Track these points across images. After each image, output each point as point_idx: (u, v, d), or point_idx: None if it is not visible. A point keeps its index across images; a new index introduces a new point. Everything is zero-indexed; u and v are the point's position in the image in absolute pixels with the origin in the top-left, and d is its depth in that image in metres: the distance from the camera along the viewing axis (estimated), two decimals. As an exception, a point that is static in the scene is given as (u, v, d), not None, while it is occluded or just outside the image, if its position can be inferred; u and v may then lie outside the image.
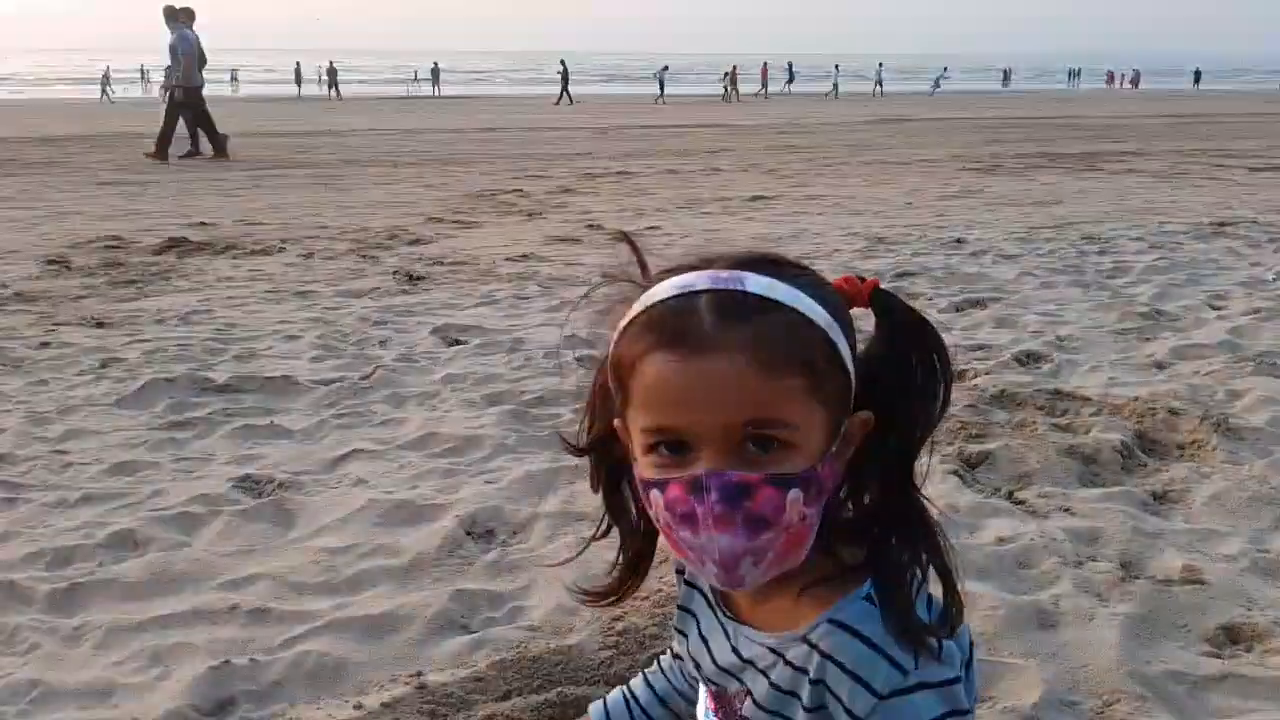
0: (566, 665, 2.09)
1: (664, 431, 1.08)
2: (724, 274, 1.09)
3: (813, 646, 1.12)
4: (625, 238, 1.27)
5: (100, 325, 5.47)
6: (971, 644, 1.20)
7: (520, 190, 12.07)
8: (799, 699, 1.14)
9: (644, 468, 1.12)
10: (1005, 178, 12.86)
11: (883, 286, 1.18)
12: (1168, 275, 6.38)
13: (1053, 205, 10.04)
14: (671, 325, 1.07)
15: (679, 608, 1.38)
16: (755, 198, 11.11)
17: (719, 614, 1.26)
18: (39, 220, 9.79)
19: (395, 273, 6.94)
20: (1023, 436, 3.43)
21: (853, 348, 1.13)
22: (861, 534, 1.16)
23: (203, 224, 9.37)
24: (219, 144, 16.37)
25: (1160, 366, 4.39)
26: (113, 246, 8.05)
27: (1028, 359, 4.52)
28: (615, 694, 1.60)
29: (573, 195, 11.65)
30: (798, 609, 1.15)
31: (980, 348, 4.71)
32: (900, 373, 1.13)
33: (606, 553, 2.62)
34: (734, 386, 1.03)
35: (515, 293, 6.30)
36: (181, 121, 16.24)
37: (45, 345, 5.05)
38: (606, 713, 1.57)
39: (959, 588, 1.14)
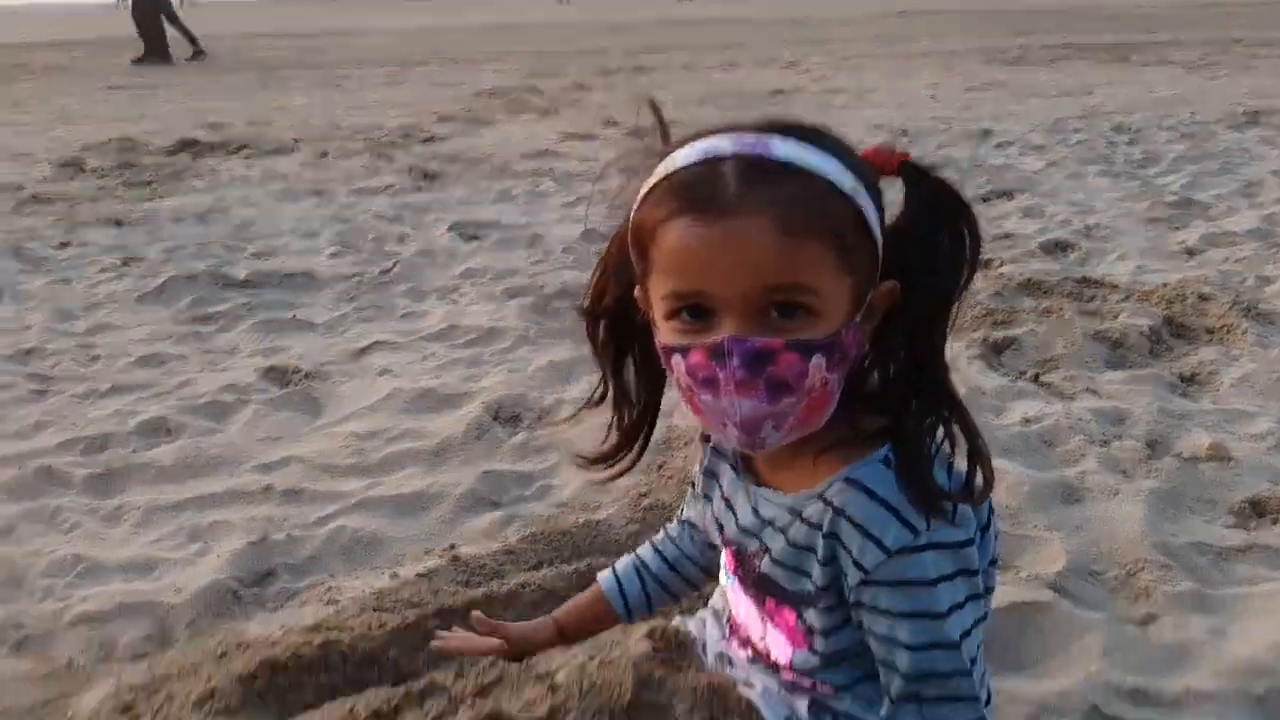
0: (595, 538, 2.12)
1: (686, 297, 1.07)
2: (749, 138, 1.07)
3: (827, 503, 1.13)
4: (649, 102, 1.25)
5: (119, 225, 5.47)
6: (991, 510, 1.20)
7: (534, 88, 11.84)
8: (814, 553, 1.16)
9: (665, 334, 1.11)
10: (1033, 69, 12.51)
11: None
12: (1199, 164, 6.24)
13: (1082, 96, 9.78)
14: (695, 189, 1.06)
15: (704, 472, 1.39)
16: (775, 91, 10.86)
17: (741, 477, 1.28)
18: (51, 124, 9.71)
19: (410, 170, 6.87)
20: (1049, 322, 3.40)
21: (881, 216, 1.11)
22: (884, 403, 1.15)
23: (214, 125, 9.26)
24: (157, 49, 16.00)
25: (1190, 253, 4.32)
26: (126, 148, 7.98)
27: (1055, 248, 4.45)
28: (625, 563, 1.61)
29: (587, 92, 11.43)
30: (816, 471, 1.16)
31: (1007, 237, 4.64)
32: (928, 243, 1.11)
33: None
34: (757, 250, 1.02)
35: (531, 189, 6.23)
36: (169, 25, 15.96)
37: (65, 245, 5.05)
38: (617, 579, 1.58)
39: (984, 453, 1.13)
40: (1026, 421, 2.64)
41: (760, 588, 1.24)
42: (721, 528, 1.31)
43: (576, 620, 1.56)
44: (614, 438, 1.33)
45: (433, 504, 2.37)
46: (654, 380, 1.29)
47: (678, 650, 1.29)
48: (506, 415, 2.87)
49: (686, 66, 13.95)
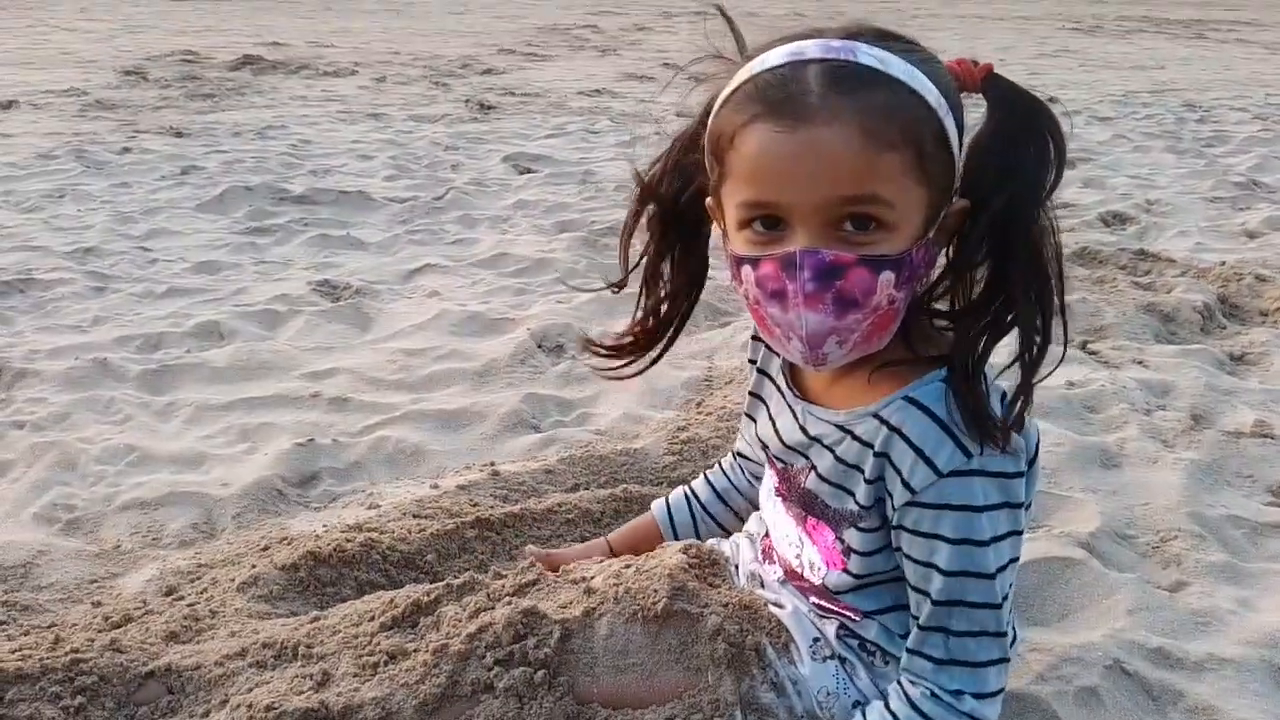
0: (632, 466, 2.15)
1: (761, 206, 1.06)
2: (836, 43, 1.05)
3: (883, 421, 1.14)
4: (720, 11, 1.23)
5: (179, 135, 5.54)
6: (1038, 444, 1.21)
7: (594, 26, 11.73)
8: (861, 471, 1.16)
9: (737, 243, 1.11)
10: (1106, 39, 12.18)
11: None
12: (1270, 147, 6.06)
13: (1154, 70, 9.52)
14: (778, 93, 1.04)
15: (750, 394, 1.40)
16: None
17: (789, 396, 1.28)
18: (115, 33, 9.81)
19: (467, 101, 6.88)
20: (1101, 292, 3.36)
21: (960, 131, 1.10)
22: (955, 324, 1.15)
23: (275, 43, 9.31)
24: None
25: (1251, 235, 4.23)
26: (188, 60, 8.05)
27: (1113, 219, 4.38)
28: (677, 492, 1.65)
29: (648, 33, 11.31)
30: (871, 389, 1.16)
31: (1065, 205, 4.56)
32: (1009, 154, 1.09)
33: (673, 371, 2.64)
34: (837, 159, 1.01)
35: (586, 126, 6.21)
36: None
37: (127, 150, 5.14)
38: (669, 508, 1.63)
39: (1033, 379, 1.12)
40: (1070, 385, 2.62)
41: (803, 504, 1.26)
42: (766, 446, 1.33)
43: (629, 544, 1.58)
44: (629, 330, 1.33)
45: (475, 421, 2.42)
46: (683, 288, 1.30)
47: (711, 567, 1.32)
48: (551, 344, 2.90)
49: (751, 14, 13.73)
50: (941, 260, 1.16)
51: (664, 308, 1.31)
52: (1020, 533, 1.15)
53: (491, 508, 1.96)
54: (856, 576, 1.22)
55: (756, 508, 1.53)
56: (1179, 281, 3.47)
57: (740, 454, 1.58)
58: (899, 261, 1.05)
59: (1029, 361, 1.12)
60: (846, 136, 1.01)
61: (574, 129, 6.12)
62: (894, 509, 1.14)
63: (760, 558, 1.40)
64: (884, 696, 1.21)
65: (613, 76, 8.23)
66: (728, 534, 1.58)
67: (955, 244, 1.13)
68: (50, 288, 3.24)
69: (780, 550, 1.34)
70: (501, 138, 5.80)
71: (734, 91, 1.10)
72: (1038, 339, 1.11)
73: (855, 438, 1.17)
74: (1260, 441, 2.36)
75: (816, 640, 1.28)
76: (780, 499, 1.32)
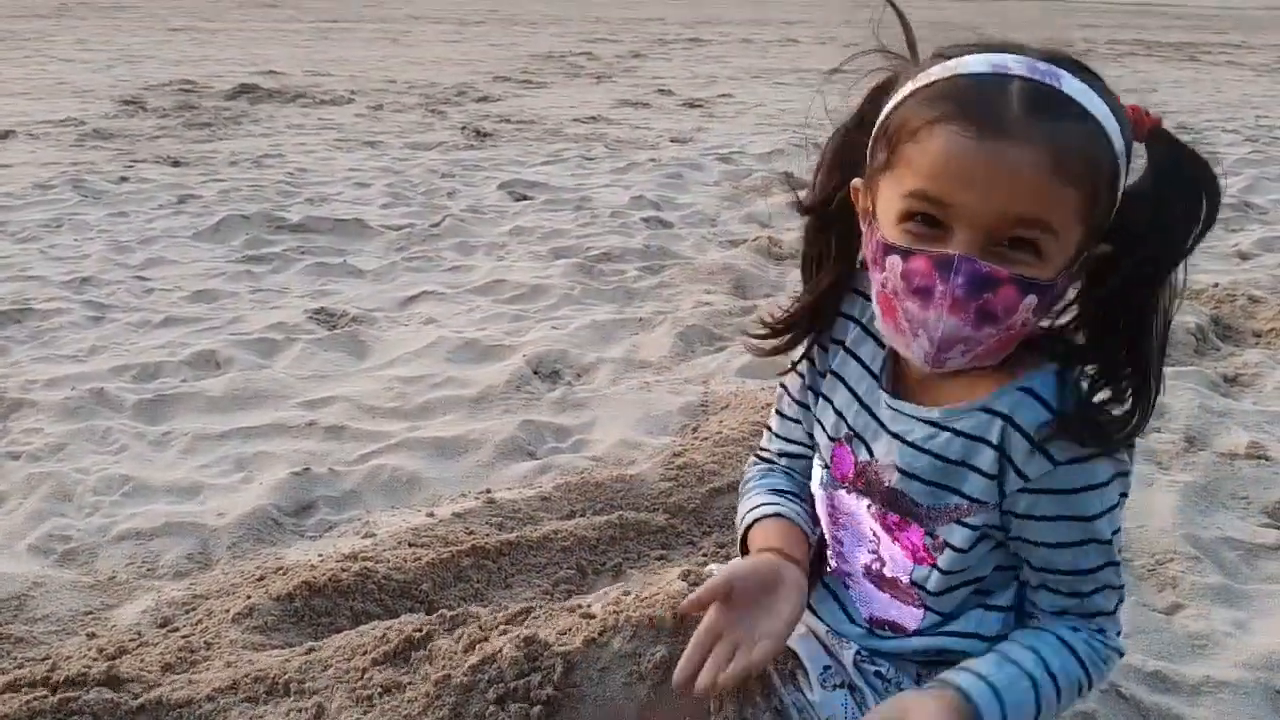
0: (628, 492, 2.15)
1: (932, 202, 1.05)
2: (1041, 65, 1.04)
3: (994, 413, 1.13)
4: (893, 6, 1.21)
5: (176, 164, 5.56)
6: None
7: (589, 53, 11.82)
8: (969, 467, 1.15)
9: (891, 232, 1.09)
10: (1098, 63, 12.21)
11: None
12: (1261, 169, 6.11)
13: (1146, 93, 9.59)
14: (977, 100, 1.03)
15: (831, 373, 1.31)
16: (834, 71, 10.76)
17: (878, 385, 1.24)
18: (113, 63, 9.86)
19: (463, 128, 6.91)
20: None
21: (1127, 175, 1.09)
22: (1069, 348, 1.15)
23: (272, 72, 9.36)
24: None
25: (1244, 257, 4.26)
26: (186, 90, 8.10)
27: (1105, 241, 4.40)
28: (776, 499, 1.38)
29: (643, 60, 11.39)
30: (970, 387, 1.16)
31: (1057, 228, 4.60)
32: (1160, 209, 1.08)
33: (669, 396, 2.65)
34: (1024, 178, 1.00)
35: (582, 153, 6.25)
36: None
37: (124, 180, 5.15)
38: (780, 507, 1.36)
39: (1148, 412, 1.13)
40: (1065, 409, 2.63)
41: (886, 502, 1.23)
42: (836, 433, 1.28)
43: (790, 546, 1.29)
44: (789, 315, 1.30)
45: (471, 449, 2.42)
46: (836, 274, 1.27)
47: (711, 594, 1.30)
48: (547, 370, 2.91)
49: (745, 40, 13.84)
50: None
51: (811, 297, 1.29)
52: (1126, 494, 1.16)
53: (487, 536, 1.96)
54: (945, 573, 1.21)
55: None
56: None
57: (785, 453, 1.44)
58: (1045, 288, 1.05)
59: (1139, 413, 1.12)
60: (1037, 160, 1.01)
61: (570, 156, 6.16)
62: (1007, 497, 1.15)
63: (833, 571, 1.39)
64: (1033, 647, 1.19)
65: (608, 103, 8.29)
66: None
67: (1087, 284, 1.13)
68: (47, 317, 3.25)
69: (846, 547, 1.32)
70: (497, 165, 5.83)
71: (927, 86, 1.08)
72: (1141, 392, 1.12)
73: (958, 433, 1.16)
74: (1255, 463, 2.37)
75: (828, 668, 1.27)
76: (855, 493, 1.28)
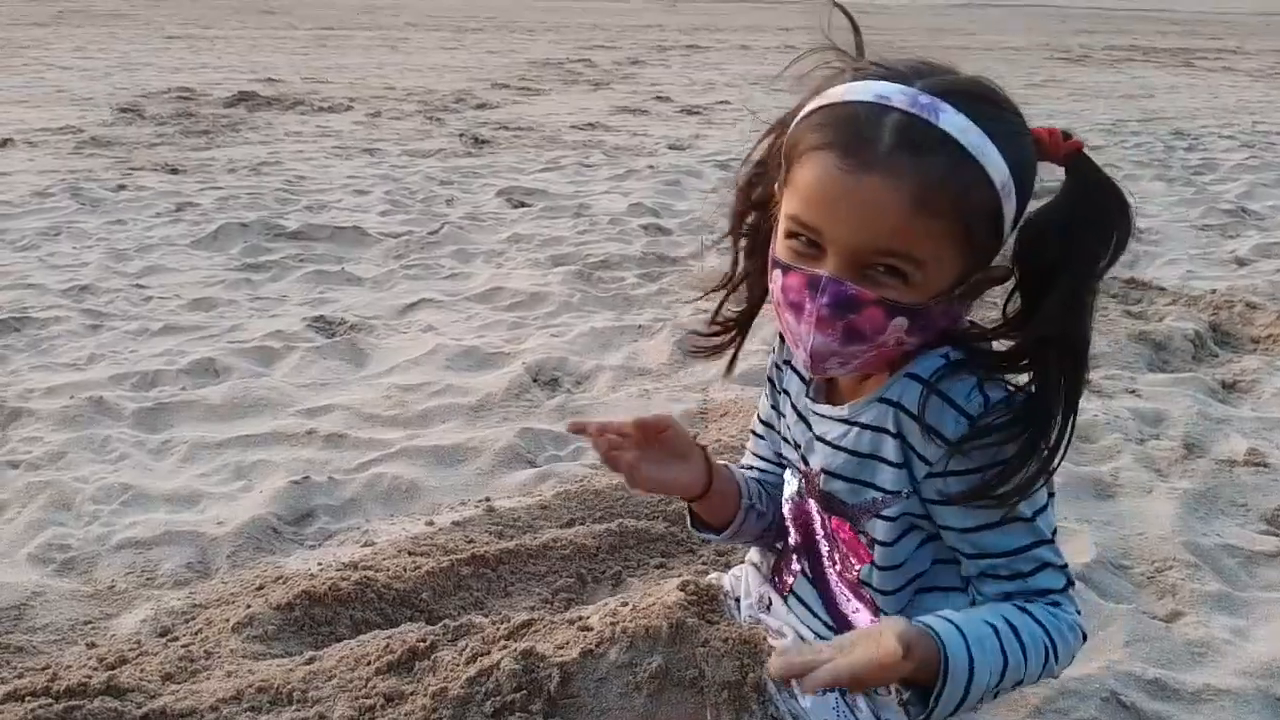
0: (627, 500, 2.15)
1: (805, 227, 1.09)
2: (924, 99, 1.05)
3: (888, 403, 1.15)
4: (840, 8, 1.22)
5: (174, 172, 5.56)
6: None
7: (587, 60, 11.84)
8: (878, 459, 1.17)
9: (778, 247, 1.14)
10: (1094, 69, 12.32)
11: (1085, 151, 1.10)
12: (1258, 174, 6.13)
13: (1143, 99, 9.63)
14: (851, 132, 1.05)
15: (782, 391, 1.37)
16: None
17: (806, 393, 1.28)
18: (111, 70, 9.87)
19: (461, 135, 6.93)
20: (1093, 321, 3.37)
21: (1022, 207, 1.09)
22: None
23: (270, 80, 9.37)
24: None
25: (1241, 263, 4.27)
26: (184, 97, 8.11)
27: (1103, 248, 4.41)
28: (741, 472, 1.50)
29: (641, 67, 11.42)
30: (880, 380, 1.18)
31: (1054, 234, 4.61)
32: (1074, 240, 1.09)
33: (668, 404, 2.65)
34: (883, 214, 1.03)
35: (580, 160, 6.26)
36: None
37: (122, 188, 5.16)
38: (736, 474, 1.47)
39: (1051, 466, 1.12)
40: (1063, 416, 2.63)
41: (824, 505, 1.26)
42: (790, 443, 1.32)
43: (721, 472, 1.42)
44: (716, 321, 1.34)
45: (470, 457, 2.42)
46: (763, 281, 1.28)
47: (710, 603, 1.32)
48: (546, 378, 2.91)
49: (743, 46, 13.87)
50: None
51: (746, 303, 1.31)
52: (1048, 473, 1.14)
53: (487, 544, 1.96)
54: (882, 569, 1.22)
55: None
56: (1170, 310, 3.49)
57: (754, 467, 1.51)
58: (914, 311, 1.07)
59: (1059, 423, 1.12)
60: (899, 195, 1.02)
61: (568, 163, 6.16)
62: (921, 484, 1.15)
63: (771, 576, 1.40)
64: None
65: (606, 110, 8.30)
66: (767, 517, 1.46)
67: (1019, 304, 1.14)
68: (46, 326, 3.24)
69: (812, 553, 1.34)
70: (496, 172, 5.84)
71: (815, 111, 1.11)
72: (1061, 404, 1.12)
73: (864, 426, 1.18)
74: (1253, 470, 2.37)
75: (819, 670, 1.27)
76: (810, 500, 1.31)
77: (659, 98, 9.04)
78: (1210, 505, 2.24)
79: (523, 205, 5.07)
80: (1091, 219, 1.09)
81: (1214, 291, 3.67)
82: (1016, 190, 1.07)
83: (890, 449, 1.16)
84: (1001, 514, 1.12)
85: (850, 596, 1.30)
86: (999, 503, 1.10)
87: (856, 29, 1.18)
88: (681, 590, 1.28)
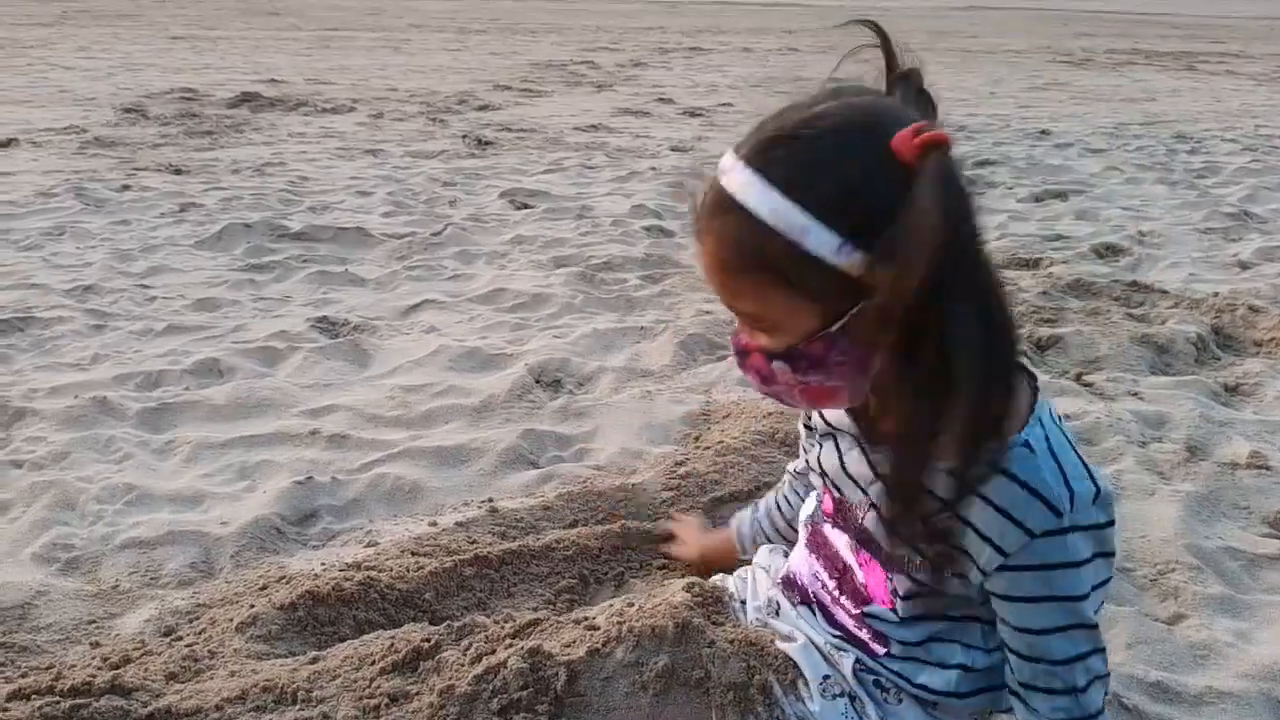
0: (630, 501, 2.16)
1: None
2: (728, 162, 1.07)
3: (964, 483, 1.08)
4: (873, 26, 1.16)
5: (178, 172, 5.57)
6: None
7: (590, 62, 11.85)
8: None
9: None
10: (1096, 72, 12.31)
11: (948, 149, 0.99)
12: (1260, 178, 6.13)
13: (1145, 102, 9.63)
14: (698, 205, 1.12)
15: (825, 420, 1.32)
16: (831, 79, 10.78)
17: (855, 431, 1.24)
18: (114, 71, 9.88)
19: (464, 136, 6.93)
20: (1095, 324, 3.38)
21: (863, 230, 0.99)
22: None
23: (274, 81, 9.39)
24: None
25: (1244, 266, 4.26)
26: (187, 98, 8.12)
27: (1107, 251, 4.41)
28: (760, 508, 1.75)
29: (644, 69, 11.42)
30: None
31: (1058, 238, 4.61)
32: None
33: (671, 405, 2.64)
34: (710, 276, 1.10)
35: (583, 162, 6.26)
36: None
37: (126, 188, 5.16)
38: (739, 525, 1.76)
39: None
40: (1066, 418, 2.63)
41: (859, 539, 1.26)
42: (825, 473, 1.30)
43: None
44: None
45: (473, 458, 2.43)
46: None
47: (715, 604, 1.32)
48: (549, 379, 2.92)
49: (745, 49, 13.87)
50: None
51: None
52: (1110, 578, 1.15)
53: (490, 545, 1.96)
54: (901, 620, 1.23)
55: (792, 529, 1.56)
56: (1173, 313, 3.49)
57: (799, 472, 1.65)
58: (789, 355, 1.09)
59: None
60: (710, 260, 1.09)
61: (571, 164, 6.17)
62: (982, 573, 1.12)
63: (780, 583, 1.40)
64: None
65: (609, 112, 8.31)
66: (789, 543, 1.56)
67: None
68: (49, 326, 3.25)
69: (820, 571, 1.34)
70: (499, 173, 5.84)
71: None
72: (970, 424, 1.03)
73: (931, 494, 1.11)
74: (1256, 473, 2.37)
75: (827, 677, 1.28)
76: (836, 528, 1.31)
77: (661, 99, 9.05)
78: (1213, 508, 2.25)
79: (525, 207, 5.08)
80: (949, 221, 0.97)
81: (1216, 294, 3.67)
82: (826, 221, 0.99)
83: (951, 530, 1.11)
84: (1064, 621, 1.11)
85: (848, 617, 1.30)
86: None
87: (888, 48, 1.13)
88: (687, 591, 1.29)
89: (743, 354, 1.14)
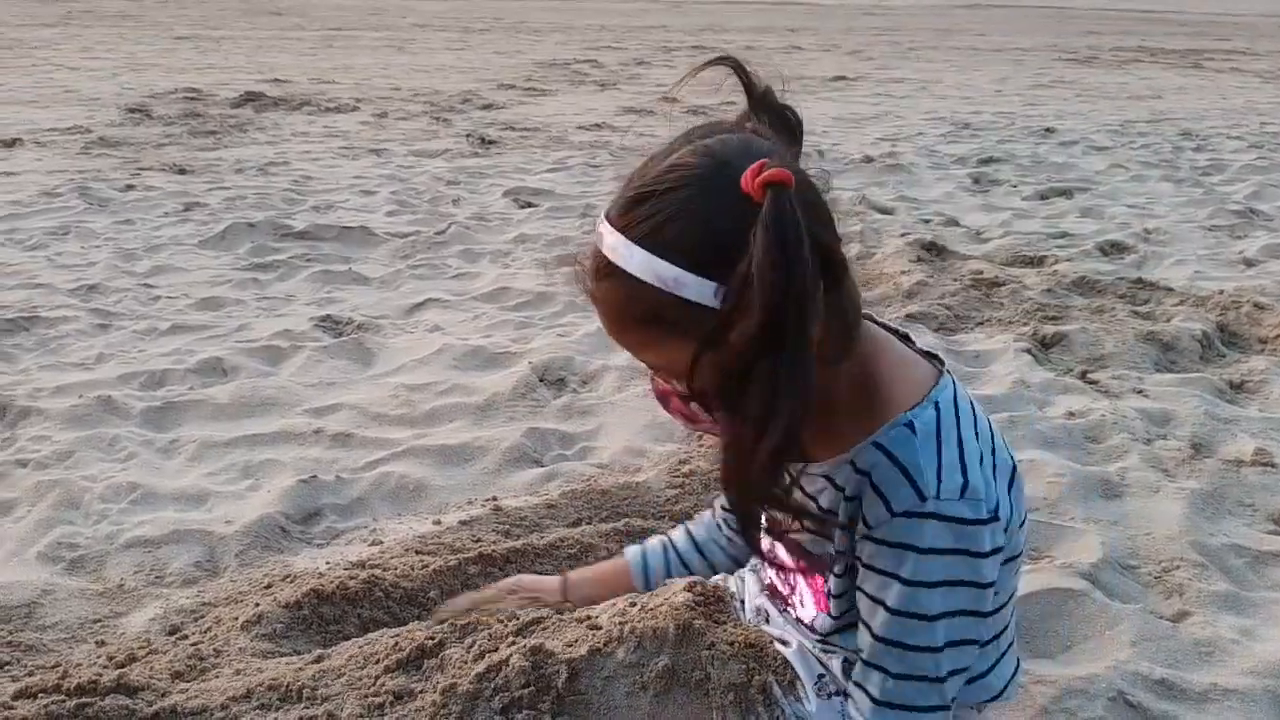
0: (634, 500, 2.16)
1: None
2: (602, 228, 1.07)
3: (857, 469, 1.15)
4: (734, 62, 1.20)
5: (182, 172, 5.58)
6: (1006, 500, 1.18)
7: (594, 61, 11.85)
8: (836, 516, 1.18)
9: None
10: (1102, 70, 12.29)
11: (785, 187, 0.98)
12: (1266, 175, 6.12)
13: (1150, 100, 9.61)
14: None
15: None
16: (837, 78, 10.78)
17: None
18: (118, 71, 9.91)
19: (468, 135, 6.94)
20: (1100, 321, 3.37)
21: (735, 269, 0.98)
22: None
23: (277, 80, 9.40)
24: None
25: (1250, 263, 4.25)
26: (191, 98, 8.13)
27: (1112, 249, 4.40)
28: (654, 540, 1.67)
29: (647, 68, 11.42)
30: (843, 438, 1.17)
31: (1063, 236, 4.61)
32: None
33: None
34: (610, 335, 1.12)
35: (587, 160, 6.27)
36: None
37: (130, 188, 5.18)
38: (644, 556, 1.64)
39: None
40: (1070, 415, 2.63)
41: (793, 551, 1.27)
42: None
43: (592, 581, 1.62)
44: None
45: (477, 456, 2.43)
46: None
47: (717, 604, 1.32)
48: (553, 377, 2.92)
49: (748, 48, 13.86)
50: None
51: None
52: (980, 585, 1.13)
53: (494, 543, 1.96)
54: (835, 619, 1.24)
55: (736, 564, 1.57)
56: (1178, 310, 3.48)
57: (725, 507, 1.59)
58: (696, 394, 1.08)
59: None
60: (604, 321, 1.11)
61: (574, 163, 6.17)
62: (857, 544, 1.16)
63: (765, 591, 1.41)
64: None
65: (612, 111, 8.31)
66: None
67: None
68: (54, 325, 3.26)
69: (783, 587, 1.35)
70: (502, 172, 5.85)
71: None
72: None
73: (835, 485, 1.19)
74: (1261, 470, 2.36)
75: (821, 677, 1.28)
76: (772, 538, 1.32)
77: (665, 98, 9.04)
78: (1217, 505, 2.24)
79: (529, 205, 5.08)
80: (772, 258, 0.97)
81: (1222, 292, 3.66)
82: (703, 267, 1.01)
83: (843, 509, 1.17)
84: (904, 606, 1.12)
85: (800, 623, 1.32)
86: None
87: (745, 79, 1.18)
88: (689, 591, 1.29)
89: (664, 399, 1.17)
